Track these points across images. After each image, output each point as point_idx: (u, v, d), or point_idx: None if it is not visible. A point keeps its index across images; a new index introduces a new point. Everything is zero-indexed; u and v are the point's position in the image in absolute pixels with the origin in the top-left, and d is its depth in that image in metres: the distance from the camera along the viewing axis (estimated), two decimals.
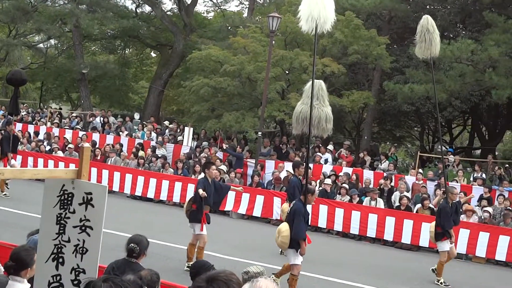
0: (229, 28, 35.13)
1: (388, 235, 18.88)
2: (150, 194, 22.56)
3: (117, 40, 42.60)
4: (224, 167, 22.42)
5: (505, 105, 28.70)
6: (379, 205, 19.65)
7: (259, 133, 24.11)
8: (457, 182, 21.02)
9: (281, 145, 25.60)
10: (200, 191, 12.29)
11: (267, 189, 21.58)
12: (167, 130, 28.47)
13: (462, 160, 25.68)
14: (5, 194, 19.14)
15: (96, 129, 28.31)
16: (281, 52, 26.14)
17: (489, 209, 18.71)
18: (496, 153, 31.96)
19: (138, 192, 22.76)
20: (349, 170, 22.30)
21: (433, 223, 14.23)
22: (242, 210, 21.00)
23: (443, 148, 33.50)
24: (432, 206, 18.75)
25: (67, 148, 25.42)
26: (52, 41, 42.37)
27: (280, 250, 11.57)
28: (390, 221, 18.82)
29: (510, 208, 18.71)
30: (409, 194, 20.32)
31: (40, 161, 24.65)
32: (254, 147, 25.73)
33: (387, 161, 23.55)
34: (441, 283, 13.84)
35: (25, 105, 35.76)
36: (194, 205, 12.56)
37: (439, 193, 18.73)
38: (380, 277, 13.95)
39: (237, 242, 16.36)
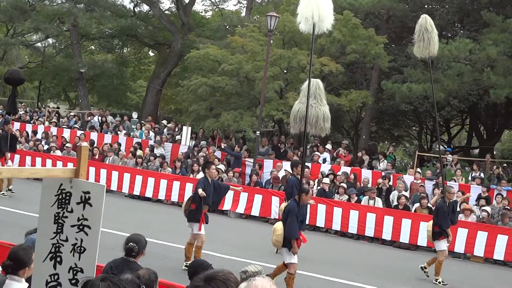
0: (227, 27, 35.12)
1: (386, 235, 18.89)
2: (148, 193, 22.55)
3: (115, 39, 42.56)
4: (222, 166, 22.40)
5: (503, 104, 28.72)
6: (377, 205, 19.66)
7: (257, 132, 24.09)
8: (455, 182, 21.04)
9: (279, 144, 25.59)
10: (200, 191, 12.29)
11: (265, 188, 21.58)
12: (165, 130, 28.46)
13: (460, 159, 25.70)
14: (2, 193, 19.14)
15: (94, 128, 28.28)
16: (279, 51, 26.13)
17: (487, 208, 18.71)
18: (494, 153, 31.99)
19: (136, 192, 22.74)
20: (347, 170, 22.31)
21: (431, 222, 14.26)
22: (240, 209, 21.00)
23: (442, 147, 33.57)
24: (431, 206, 18.75)
25: (65, 147, 25.42)
26: (50, 40, 42.34)
27: (276, 249, 11.59)
28: (388, 221, 18.82)
29: (508, 208, 18.72)
30: (407, 194, 20.34)
31: (38, 160, 24.63)
32: (252, 146, 25.73)
33: (385, 161, 23.56)
34: (439, 282, 13.84)
35: (23, 104, 35.75)
36: (193, 205, 12.56)
37: (437, 193, 18.73)
38: (379, 277, 13.96)
39: (235, 242, 16.35)
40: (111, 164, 23.82)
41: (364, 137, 30.22)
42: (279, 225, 11.37)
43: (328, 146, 25.25)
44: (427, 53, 13.88)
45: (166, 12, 40.03)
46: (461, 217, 18.42)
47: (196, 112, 27.95)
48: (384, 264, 15.85)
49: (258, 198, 20.75)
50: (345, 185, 20.53)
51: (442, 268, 13.98)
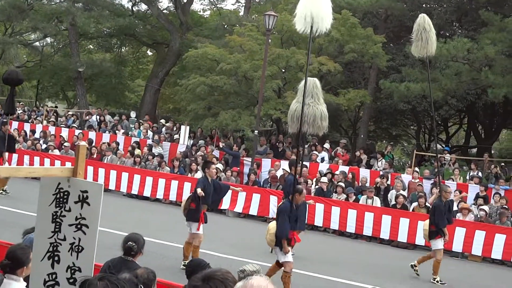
0: (226, 26, 35.09)
1: (385, 234, 18.91)
2: (147, 192, 22.54)
3: (113, 39, 42.52)
4: (220, 166, 22.40)
5: (501, 103, 28.75)
6: (375, 204, 19.68)
7: (256, 131, 24.10)
8: (453, 181, 21.08)
9: (277, 144, 25.59)
10: (198, 190, 12.29)
11: (264, 187, 21.59)
12: (163, 129, 28.45)
13: (458, 158, 25.71)
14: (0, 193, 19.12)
15: (92, 127, 28.27)
16: (278, 51, 26.13)
17: (485, 207, 18.73)
18: (492, 152, 32.00)
19: (135, 191, 22.74)
20: (346, 169, 22.31)
21: (427, 221, 14.28)
22: (239, 208, 21.01)
23: (440, 146, 33.59)
24: (429, 205, 18.75)
25: (63, 147, 25.41)
26: (48, 40, 42.31)
27: (270, 248, 11.64)
28: (386, 220, 18.84)
29: (506, 207, 18.75)
30: (405, 193, 20.35)
31: (36, 159, 24.62)
32: (250, 145, 25.73)
33: (383, 160, 23.56)
34: (437, 281, 13.86)
35: (21, 103, 35.70)
36: (193, 204, 12.56)
37: (435, 192, 18.69)
38: (377, 276, 13.97)
39: (233, 241, 16.36)
40: (109, 163, 23.82)
41: (362, 136, 30.24)
42: (272, 225, 11.49)
43: (326, 145, 25.23)
44: (425, 52, 13.88)
45: (164, 11, 40.00)
46: (459, 216, 18.46)
47: (194, 111, 27.95)
48: (382, 263, 15.86)
49: (256, 197, 20.75)
50: (343, 184, 20.54)
51: (440, 267, 13.99)
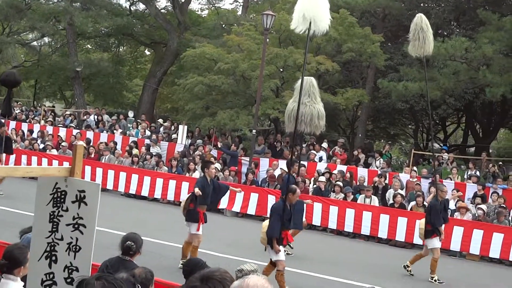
0: (223, 26, 35.07)
1: (382, 233, 18.91)
2: (144, 192, 22.53)
3: (111, 38, 42.50)
4: (218, 165, 22.37)
5: (499, 102, 28.77)
6: (373, 203, 19.68)
7: (253, 131, 24.09)
8: (451, 180, 21.09)
9: (275, 143, 25.59)
10: (196, 189, 12.28)
11: (262, 187, 21.58)
12: (161, 128, 28.44)
13: (456, 157, 25.74)
14: None
15: (90, 127, 28.25)
16: (275, 50, 26.12)
17: (483, 206, 18.74)
18: (490, 151, 32.02)
19: (132, 190, 22.72)
20: (344, 168, 22.32)
21: (422, 220, 14.30)
22: (236, 208, 21.00)
23: (437, 145, 33.60)
24: (426, 204, 18.76)
25: (61, 146, 25.38)
26: (46, 39, 42.21)
27: (264, 247, 11.68)
28: (384, 219, 18.84)
29: (504, 206, 18.76)
30: (403, 192, 20.36)
31: (34, 159, 24.61)
32: (248, 145, 25.72)
33: (381, 159, 23.57)
34: (435, 280, 13.87)
35: (18, 103, 35.69)
36: (192, 204, 12.54)
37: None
38: (375, 275, 13.97)
39: (231, 240, 16.36)
40: (107, 163, 23.80)
41: (360, 135, 30.25)
42: (266, 223, 11.64)
43: (324, 145, 25.26)
44: (422, 52, 13.88)
45: (162, 10, 39.96)
46: (456, 215, 18.49)
47: (192, 110, 27.94)
48: (380, 263, 15.86)
49: (254, 197, 20.75)
50: (341, 184, 20.54)
51: (438, 266, 14.00)
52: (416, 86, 24.74)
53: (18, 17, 34.98)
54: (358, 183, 21.36)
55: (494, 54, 23.43)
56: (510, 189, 20.28)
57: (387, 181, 21.13)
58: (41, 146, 25.97)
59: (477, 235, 17.55)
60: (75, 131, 27.22)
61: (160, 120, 30.53)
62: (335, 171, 21.80)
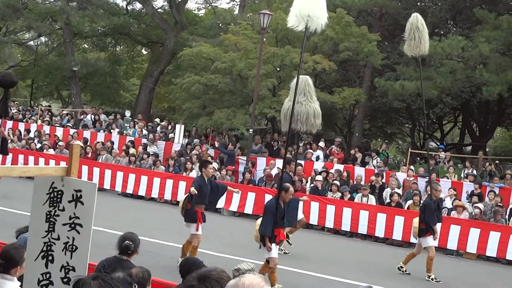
0: (220, 25, 35.06)
1: (379, 232, 18.93)
2: (141, 191, 22.51)
3: (107, 38, 42.44)
4: (215, 165, 22.39)
5: (496, 101, 28.80)
6: (370, 202, 19.69)
7: (250, 130, 24.09)
8: (448, 179, 21.12)
9: (272, 142, 25.60)
10: (192, 188, 12.27)
11: (259, 186, 21.58)
12: (158, 128, 28.42)
13: (453, 156, 25.74)
14: None
15: (87, 126, 28.24)
16: (272, 49, 26.13)
17: (480, 205, 18.76)
18: (487, 150, 32.10)
19: (129, 190, 22.71)
20: (340, 167, 22.34)
21: (416, 219, 14.33)
22: (234, 207, 21.00)
23: (434, 144, 33.63)
24: None
25: (57, 146, 25.37)
26: (43, 39, 42.20)
27: (259, 245, 11.70)
28: (381, 218, 18.86)
29: (501, 205, 18.78)
30: (400, 191, 20.38)
31: (31, 158, 24.59)
32: (245, 144, 25.73)
33: (378, 158, 23.59)
34: (432, 279, 13.88)
35: (15, 102, 35.65)
36: (189, 204, 12.54)
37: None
38: (372, 274, 13.99)
39: (229, 240, 16.36)
40: (104, 163, 23.78)
41: (357, 134, 30.25)
42: (259, 221, 11.66)
43: (321, 144, 25.28)
44: (418, 51, 13.86)
45: (159, 10, 39.94)
46: (453, 214, 18.53)
47: (189, 110, 27.93)
48: (377, 261, 15.87)
49: (251, 196, 20.74)
50: (338, 183, 20.55)
51: (435, 264, 14.03)
52: (413, 85, 24.75)
53: (14, 16, 34.90)
54: (355, 182, 21.37)
55: (491, 53, 23.46)
56: (507, 188, 20.32)
57: (384, 180, 21.15)
58: (38, 145, 25.96)
59: (474, 233, 17.58)
60: (72, 131, 27.21)
61: (157, 120, 30.51)
62: (332, 170, 21.81)
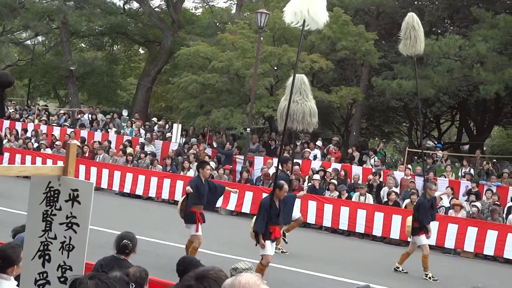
0: (218, 24, 35.07)
1: (377, 231, 18.93)
2: (139, 191, 22.50)
3: (105, 37, 42.42)
4: (213, 164, 22.38)
5: (493, 100, 28.83)
6: (368, 201, 19.69)
7: (248, 129, 24.09)
8: (446, 177, 21.13)
9: (269, 141, 25.60)
10: (188, 187, 12.25)
11: (256, 185, 21.57)
12: (155, 127, 28.41)
13: (450, 155, 25.76)
14: None
15: (84, 126, 28.21)
16: (270, 48, 26.13)
17: (478, 204, 18.77)
18: (484, 148, 32.10)
19: (127, 189, 22.69)
20: (338, 166, 22.34)
21: (410, 217, 14.35)
22: (231, 206, 20.99)
23: (432, 143, 33.64)
24: None
25: (55, 145, 25.34)
26: (40, 38, 42.17)
27: (255, 242, 11.71)
28: (378, 217, 18.86)
29: (498, 203, 18.81)
30: (397, 190, 20.39)
31: (28, 158, 24.55)
32: (243, 143, 25.73)
33: (375, 157, 23.60)
34: (429, 277, 13.88)
35: (12, 102, 35.61)
36: (186, 205, 12.51)
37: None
38: (369, 273, 13.98)
39: (226, 239, 16.33)
40: (101, 162, 23.76)
41: (354, 133, 30.27)
42: (255, 218, 11.59)
43: (319, 143, 25.28)
44: (414, 51, 13.85)
45: (156, 9, 39.91)
46: (451, 212, 18.54)
47: (187, 109, 27.93)
48: (374, 260, 15.87)
49: (248, 195, 20.73)
50: (335, 182, 20.56)
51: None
52: (410, 84, 24.76)
53: (11, 16, 34.85)
54: (352, 181, 21.37)
55: (488, 51, 23.48)
56: (504, 187, 20.34)
57: (381, 179, 21.16)
58: (35, 145, 25.93)
59: (472, 232, 17.60)
60: (69, 130, 27.18)
61: (154, 119, 30.51)
62: (329, 169, 21.81)
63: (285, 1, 20.60)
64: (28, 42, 42.93)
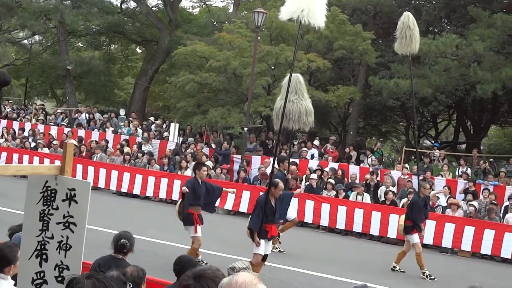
0: (215, 23, 35.09)
1: (374, 230, 18.93)
2: (136, 190, 22.48)
3: (102, 36, 42.40)
4: (210, 163, 22.38)
5: (490, 99, 28.87)
6: (365, 200, 19.70)
7: (245, 128, 24.09)
8: (443, 177, 21.15)
9: (267, 141, 25.61)
10: (184, 187, 12.25)
11: (253, 184, 21.57)
12: (152, 126, 28.40)
13: (447, 154, 25.80)
14: None
15: (82, 125, 28.18)
16: (267, 48, 26.13)
17: (475, 203, 18.79)
18: (481, 148, 32.15)
19: (124, 189, 22.68)
20: (335, 165, 22.35)
21: (403, 216, 14.39)
22: (229, 206, 20.99)
23: (429, 142, 33.68)
24: None
25: (52, 145, 25.32)
26: (37, 37, 42.10)
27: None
28: (376, 216, 18.86)
29: (495, 202, 18.82)
30: (394, 189, 20.39)
31: (25, 157, 24.53)
32: (240, 142, 25.72)
33: (373, 156, 23.61)
34: (426, 276, 13.89)
35: (9, 101, 35.56)
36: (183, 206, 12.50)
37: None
38: (367, 272, 13.98)
39: (223, 238, 16.32)
40: (99, 161, 23.74)
41: (351, 133, 30.29)
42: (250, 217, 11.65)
43: (316, 142, 25.29)
44: (409, 50, 13.86)
45: (153, 8, 39.91)
46: (448, 212, 18.55)
47: (184, 108, 27.91)
48: (372, 260, 15.89)
49: (246, 195, 20.73)
50: (333, 181, 20.56)
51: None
52: (407, 83, 24.75)
53: (8, 15, 34.78)
54: (349, 181, 21.38)
55: (485, 51, 23.51)
56: (501, 186, 20.37)
57: (378, 178, 21.17)
58: (33, 144, 25.91)
59: (469, 231, 17.62)
60: (66, 130, 27.15)
61: (152, 118, 30.48)
62: (326, 169, 21.81)
63: (282, 0, 20.60)
64: (25, 41, 42.86)
